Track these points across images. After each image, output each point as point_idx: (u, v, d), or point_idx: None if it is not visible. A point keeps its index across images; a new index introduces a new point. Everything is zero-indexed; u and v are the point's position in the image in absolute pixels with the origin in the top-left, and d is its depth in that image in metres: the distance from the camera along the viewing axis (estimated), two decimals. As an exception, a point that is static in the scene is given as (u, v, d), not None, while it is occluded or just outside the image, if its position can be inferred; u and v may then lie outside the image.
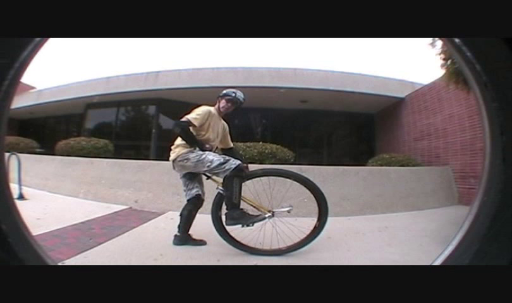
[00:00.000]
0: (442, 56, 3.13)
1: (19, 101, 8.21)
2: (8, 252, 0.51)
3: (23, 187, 4.14)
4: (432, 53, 3.51)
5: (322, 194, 2.31)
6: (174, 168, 2.48)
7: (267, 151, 4.59)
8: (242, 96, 2.55)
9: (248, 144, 4.68)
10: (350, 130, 9.50)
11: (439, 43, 2.96)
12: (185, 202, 2.51)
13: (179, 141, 2.42)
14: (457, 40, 0.51)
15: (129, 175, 4.35)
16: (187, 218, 2.46)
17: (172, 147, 2.46)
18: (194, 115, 2.39)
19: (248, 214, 2.28)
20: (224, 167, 2.25)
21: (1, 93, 0.49)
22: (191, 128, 2.36)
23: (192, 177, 2.48)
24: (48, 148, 6.65)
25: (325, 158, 9.01)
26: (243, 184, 2.30)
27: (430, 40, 3.10)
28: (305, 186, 2.33)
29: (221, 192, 2.33)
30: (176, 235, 2.49)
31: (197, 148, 2.34)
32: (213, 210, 2.35)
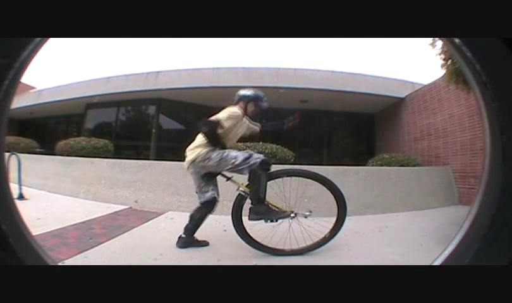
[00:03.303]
0: (443, 56, 3.13)
1: (19, 101, 8.22)
2: (8, 251, 0.51)
3: (23, 187, 4.14)
4: (432, 54, 3.52)
5: (344, 200, 2.30)
6: (188, 168, 2.38)
7: (267, 151, 4.59)
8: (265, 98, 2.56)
9: (248, 144, 4.67)
10: (350, 130, 9.51)
11: (439, 43, 2.96)
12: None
13: (199, 141, 2.35)
14: (457, 40, 0.51)
15: (129, 175, 4.35)
16: (198, 222, 2.39)
17: (190, 147, 2.38)
18: (226, 116, 2.30)
19: (274, 209, 2.25)
20: (249, 162, 2.22)
21: (1, 93, 0.49)
22: (218, 129, 2.28)
23: (208, 179, 2.40)
24: (48, 148, 6.65)
25: (325, 158, 9.01)
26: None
27: (430, 40, 3.10)
28: (328, 188, 2.31)
29: (242, 193, 2.29)
30: (181, 237, 2.41)
31: (213, 149, 2.29)
32: (234, 211, 2.28)
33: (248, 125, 2.57)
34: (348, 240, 2.59)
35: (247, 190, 2.29)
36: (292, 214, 2.31)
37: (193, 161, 2.33)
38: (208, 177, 2.40)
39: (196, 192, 2.45)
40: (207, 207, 2.38)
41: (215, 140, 2.29)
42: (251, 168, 2.22)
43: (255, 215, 2.21)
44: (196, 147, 2.34)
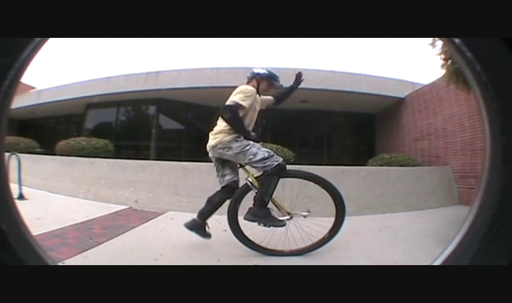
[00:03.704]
0: (443, 56, 3.13)
1: (19, 101, 8.21)
2: (8, 252, 0.51)
3: (23, 187, 4.14)
4: (432, 53, 3.51)
5: (343, 200, 2.29)
6: (208, 153, 2.34)
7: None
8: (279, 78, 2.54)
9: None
10: (350, 130, 9.50)
11: (439, 43, 2.96)
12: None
13: (221, 126, 2.26)
14: (457, 40, 0.51)
15: (129, 175, 4.35)
16: (216, 206, 2.33)
17: (213, 132, 2.31)
18: (242, 96, 2.21)
19: (273, 216, 2.21)
20: (266, 163, 2.15)
21: (1, 93, 0.49)
22: (240, 112, 2.20)
23: (230, 164, 2.37)
24: (48, 148, 6.65)
25: (325, 158, 9.01)
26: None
27: (430, 40, 3.10)
28: (325, 188, 2.30)
29: (249, 184, 2.24)
30: (193, 219, 2.35)
31: (241, 137, 2.22)
32: (232, 202, 2.25)
33: (263, 100, 2.51)
34: (348, 240, 2.59)
35: (255, 183, 2.24)
36: (287, 217, 2.28)
37: (213, 147, 2.27)
38: (228, 161, 2.35)
39: (217, 176, 2.40)
40: (226, 192, 2.32)
41: (240, 125, 2.22)
42: (265, 168, 2.16)
43: (252, 216, 2.17)
44: (219, 133, 2.26)
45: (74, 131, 9.53)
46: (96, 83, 8.44)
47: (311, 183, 2.35)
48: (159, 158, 7.10)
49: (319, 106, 8.22)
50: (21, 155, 4.48)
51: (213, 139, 2.28)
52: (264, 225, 2.21)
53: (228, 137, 2.22)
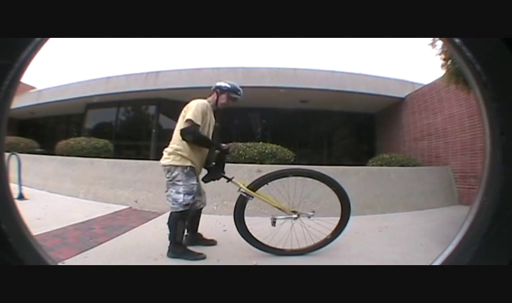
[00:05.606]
0: (443, 56, 3.13)
1: (19, 101, 8.23)
2: (8, 252, 0.51)
3: (23, 187, 4.14)
4: (432, 54, 3.51)
5: (349, 202, 2.34)
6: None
7: (267, 151, 4.59)
8: (241, 91, 2.46)
9: (248, 144, 4.68)
10: (350, 130, 9.51)
11: (439, 43, 2.96)
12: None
13: (172, 148, 2.28)
14: (457, 40, 0.51)
15: (129, 175, 4.35)
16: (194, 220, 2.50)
17: (167, 150, 2.34)
18: (194, 114, 2.21)
19: (191, 252, 2.26)
20: (173, 204, 2.25)
21: (1, 93, 0.49)
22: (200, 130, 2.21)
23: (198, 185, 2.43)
24: (48, 148, 6.65)
25: (325, 158, 9.01)
26: (274, 181, 2.31)
27: (430, 40, 3.11)
28: (334, 190, 2.35)
29: (244, 195, 2.28)
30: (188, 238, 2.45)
31: (187, 167, 2.24)
32: (237, 212, 2.29)
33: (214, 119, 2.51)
34: (348, 240, 2.59)
35: (249, 191, 2.28)
36: (295, 215, 2.32)
37: (163, 166, 2.34)
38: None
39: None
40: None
41: (206, 141, 2.30)
42: (171, 209, 2.27)
43: (172, 254, 2.23)
44: (172, 153, 2.28)
45: (74, 131, 9.53)
46: (96, 82, 8.45)
47: (309, 182, 2.36)
48: (159, 158, 7.09)
49: (319, 106, 8.23)
50: (21, 155, 4.48)
51: (165, 159, 2.31)
52: (186, 260, 2.22)
53: (179, 163, 2.24)
